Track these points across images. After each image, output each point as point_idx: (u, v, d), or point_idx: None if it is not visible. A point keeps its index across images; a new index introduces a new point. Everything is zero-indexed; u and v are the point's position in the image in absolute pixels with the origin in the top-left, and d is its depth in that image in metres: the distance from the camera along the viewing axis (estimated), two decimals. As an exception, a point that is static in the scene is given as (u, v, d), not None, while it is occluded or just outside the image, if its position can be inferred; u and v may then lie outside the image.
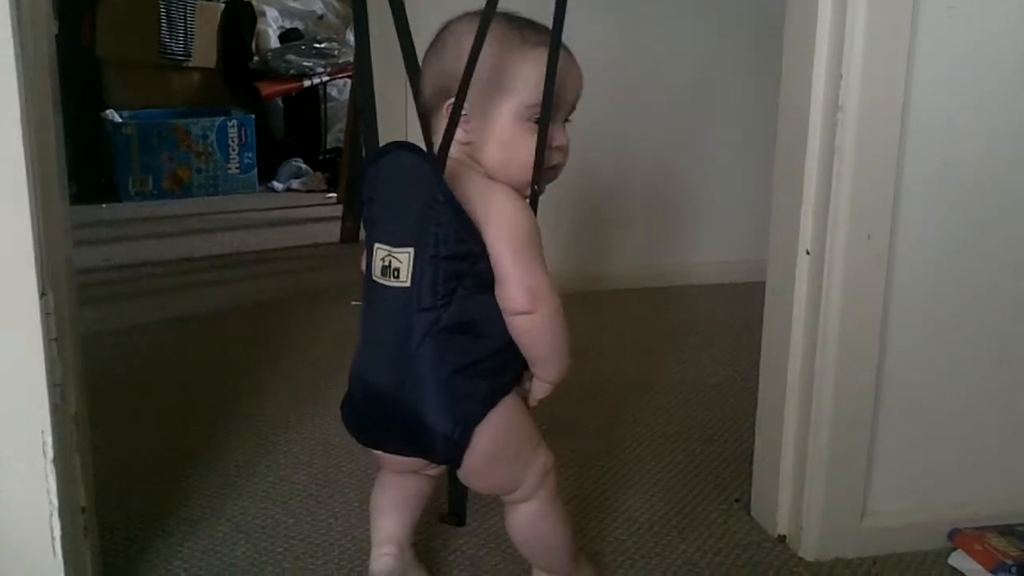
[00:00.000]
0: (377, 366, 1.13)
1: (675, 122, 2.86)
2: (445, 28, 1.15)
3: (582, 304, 2.62)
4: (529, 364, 1.15)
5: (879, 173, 1.32)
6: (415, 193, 1.08)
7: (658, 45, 2.79)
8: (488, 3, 1.04)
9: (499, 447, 1.13)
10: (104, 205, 3.90)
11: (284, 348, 2.31)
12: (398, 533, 1.27)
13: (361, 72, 1.19)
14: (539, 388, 1.16)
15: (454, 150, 1.09)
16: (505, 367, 1.14)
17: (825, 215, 1.33)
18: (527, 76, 1.10)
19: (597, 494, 1.61)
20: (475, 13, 1.08)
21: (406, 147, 1.11)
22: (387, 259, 1.10)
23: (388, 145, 1.14)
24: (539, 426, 1.18)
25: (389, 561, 1.26)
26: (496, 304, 1.09)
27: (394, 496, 1.27)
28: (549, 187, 1.17)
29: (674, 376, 2.16)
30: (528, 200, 1.13)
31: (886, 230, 1.33)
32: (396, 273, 1.09)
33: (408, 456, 1.18)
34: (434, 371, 1.08)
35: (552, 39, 1.08)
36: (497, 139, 1.11)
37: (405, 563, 1.27)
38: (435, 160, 1.07)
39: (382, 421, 1.14)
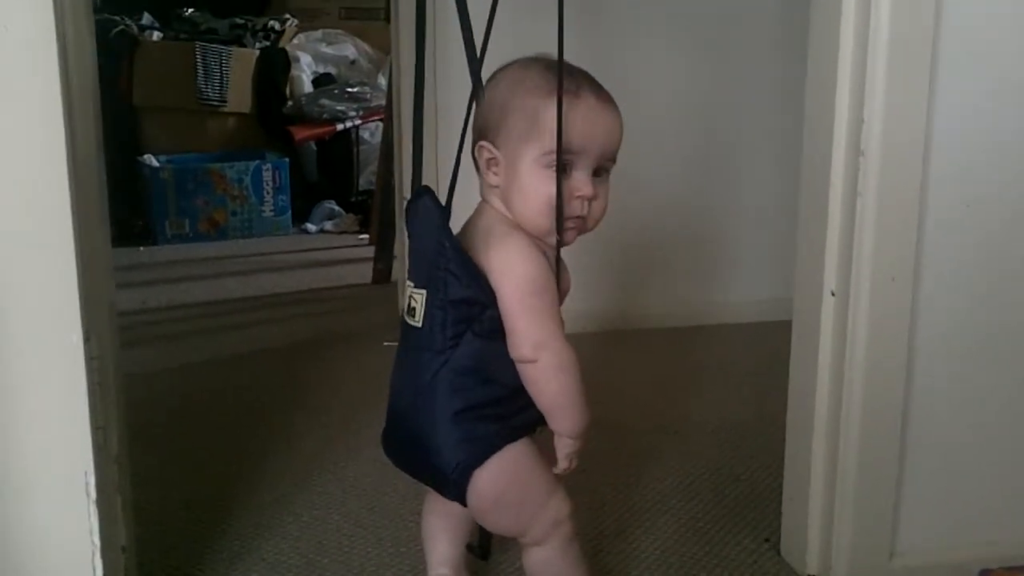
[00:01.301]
0: (401, 392, 1.18)
1: (707, 160, 2.89)
2: (491, 77, 1.19)
3: (609, 343, 2.65)
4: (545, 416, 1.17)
5: (902, 215, 1.34)
6: (430, 236, 1.13)
7: (689, 79, 2.83)
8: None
9: (500, 493, 1.15)
10: (141, 248, 3.97)
11: (317, 389, 2.34)
12: (452, 554, 1.32)
13: (415, 112, 1.26)
14: (561, 444, 1.16)
15: (494, 197, 1.16)
16: (514, 413, 1.15)
17: (849, 257, 1.35)
18: (550, 122, 1.10)
19: (620, 533, 1.62)
20: (523, 60, 1.15)
21: (425, 191, 1.16)
22: (410, 298, 1.16)
23: (420, 188, 1.18)
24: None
25: None
26: (499, 350, 1.12)
27: (442, 519, 1.31)
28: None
29: (701, 415, 2.17)
30: (555, 249, 1.15)
31: (910, 271, 1.35)
32: (413, 313, 1.14)
33: (428, 484, 1.22)
34: (442, 408, 1.12)
35: (558, 79, 1.09)
36: (518, 185, 1.13)
37: None
38: (442, 210, 1.13)
39: (406, 445, 1.19)
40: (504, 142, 1.13)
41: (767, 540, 1.59)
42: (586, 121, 1.12)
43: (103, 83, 1.26)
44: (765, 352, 2.43)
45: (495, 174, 1.15)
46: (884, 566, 1.43)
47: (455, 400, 1.12)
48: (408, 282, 1.17)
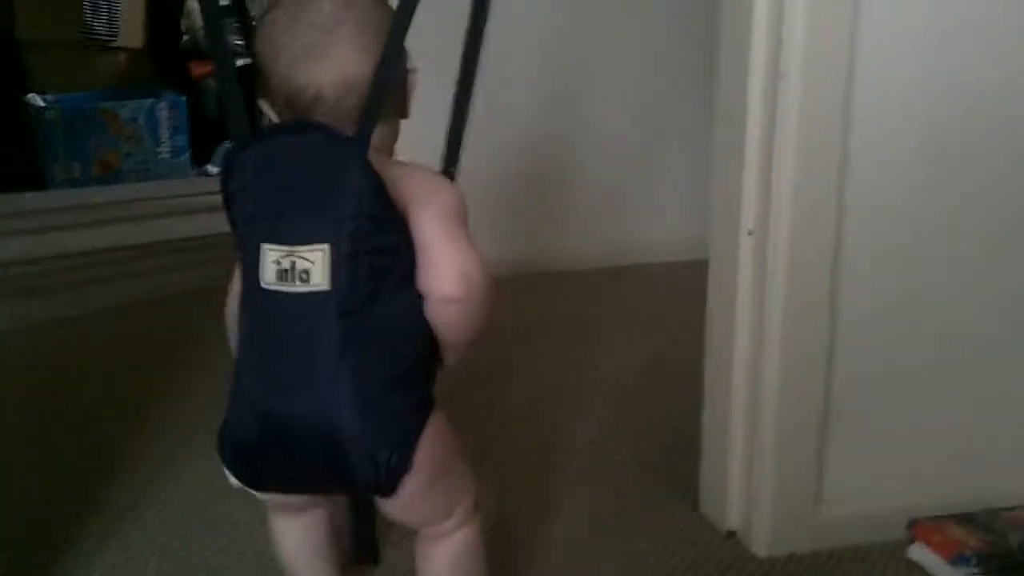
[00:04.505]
0: (283, 390, 0.96)
1: (625, 97, 2.74)
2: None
3: (522, 288, 2.51)
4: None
5: (824, 145, 1.23)
6: (326, 181, 0.95)
7: (608, 21, 2.67)
8: None
9: (435, 468, 0.99)
10: (28, 194, 3.72)
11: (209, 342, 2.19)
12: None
13: (218, 52, 1.06)
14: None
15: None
16: (433, 371, 1.02)
17: (767, 193, 1.25)
18: None
19: (535, 490, 1.53)
20: None
21: (311, 127, 0.98)
22: (286, 260, 0.95)
23: (272, 127, 1.01)
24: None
25: None
26: (418, 299, 0.98)
27: (306, 541, 1.13)
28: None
29: (619, 362, 2.06)
30: None
31: (832, 207, 1.25)
32: (304, 276, 0.94)
33: (323, 493, 1.07)
34: (361, 388, 0.94)
35: None
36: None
37: None
38: (358, 143, 0.95)
39: (291, 456, 0.98)
40: None
41: (685, 493, 1.50)
42: None
43: None
44: (684, 293, 2.32)
45: None
46: (809, 517, 1.36)
47: (378, 372, 0.95)
48: (271, 245, 0.95)
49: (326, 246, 0.93)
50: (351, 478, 0.96)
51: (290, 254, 0.94)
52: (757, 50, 1.23)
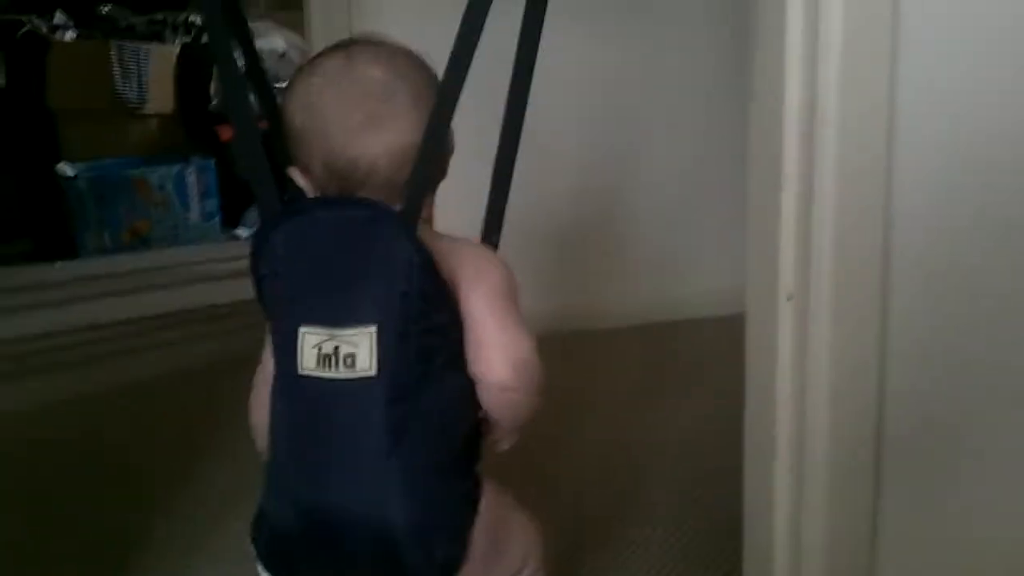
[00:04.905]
0: (327, 482, 0.91)
1: (674, 147, 2.67)
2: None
3: (559, 346, 2.43)
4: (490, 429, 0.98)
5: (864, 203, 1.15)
6: (372, 258, 0.90)
7: (656, 68, 2.62)
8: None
9: (494, 544, 0.95)
10: (57, 264, 3.71)
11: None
12: None
13: (242, 125, 1.00)
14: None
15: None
16: (479, 451, 0.97)
17: (807, 255, 1.16)
18: None
19: (567, 567, 1.43)
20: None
21: (350, 202, 0.93)
22: (328, 344, 0.89)
23: (308, 202, 0.96)
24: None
25: None
26: (467, 380, 0.92)
27: None
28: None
29: (658, 430, 1.96)
30: None
31: (876, 269, 1.16)
32: (349, 360, 0.89)
33: None
34: (412, 478, 0.89)
35: None
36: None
37: None
38: (407, 216, 0.90)
39: (336, 552, 0.92)
40: None
41: (727, 575, 1.40)
42: None
43: (13, 89, 1.05)
44: (730, 351, 2.23)
45: None
46: (862, 606, 1.25)
47: (431, 456, 0.90)
48: (310, 328, 0.90)
49: (373, 328, 0.89)
50: (402, 574, 0.91)
51: (332, 337, 0.89)
52: (791, 101, 1.15)
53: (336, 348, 0.89)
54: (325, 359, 0.89)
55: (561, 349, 2.37)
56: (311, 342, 0.90)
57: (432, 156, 0.92)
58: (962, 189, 1.18)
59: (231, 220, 4.19)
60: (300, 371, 0.91)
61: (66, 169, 3.91)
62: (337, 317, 0.90)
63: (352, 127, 0.94)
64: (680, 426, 1.97)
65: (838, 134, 1.12)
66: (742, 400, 1.35)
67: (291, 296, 0.93)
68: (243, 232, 4.17)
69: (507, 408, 0.95)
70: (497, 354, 0.92)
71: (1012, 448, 1.27)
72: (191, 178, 4.03)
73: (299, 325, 0.91)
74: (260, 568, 0.97)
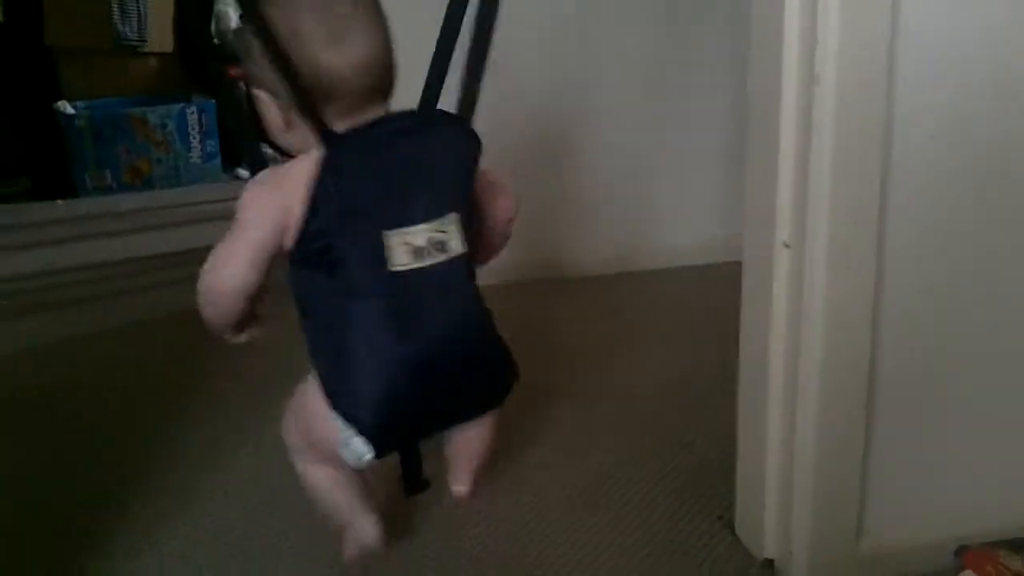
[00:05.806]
0: (438, 338, 1.06)
1: (638, 91, 2.63)
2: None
3: (546, 294, 2.44)
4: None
5: (863, 150, 1.15)
6: (446, 158, 1.07)
7: (622, 22, 2.56)
8: None
9: None
10: (59, 202, 3.71)
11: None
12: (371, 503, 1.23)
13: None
14: None
15: None
16: None
17: (804, 203, 1.17)
18: None
19: (562, 513, 1.46)
20: None
21: (400, 116, 1.07)
22: (420, 237, 1.03)
23: (378, 120, 1.06)
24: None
25: (381, 526, 1.22)
26: None
27: (352, 481, 1.21)
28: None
29: (647, 375, 1.97)
30: None
31: (873, 217, 1.17)
32: (440, 246, 1.04)
33: (467, 420, 1.18)
34: (492, 328, 1.14)
35: None
36: None
37: None
38: (463, 114, 1.09)
39: (454, 390, 1.11)
40: None
41: (720, 518, 1.43)
42: None
43: (11, 27, 1.07)
44: (715, 298, 2.25)
45: None
46: (851, 548, 1.28)
47: (489, 314, 1.13)
48: (405, 229, 1.03)
49: (455, 215, 1.06)
50: (501, 396, 1.17)
51: (424, 232, 1.03)
52: (790, 54, 1.15)
53: (428, 239, 1.04)
54: (417, 251, 1.03)
55: (547, 293, 2.40)
56: (399, 240, 1.02)
57: (488, 54, 1.08)
58: (960, 138, 1.18)
59: (232, 160, 4.18)
60: (393, 268, 1.02)
61: (65, 107, 3.89)
62: (424, 214, 1.03)
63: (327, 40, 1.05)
64: (667, 372, 1.97)
65: (836, 90, 1.12)
66: (728, 346, 1.37)
67: (363, 210, 1.02)
68: (244, 173, 4.15)
69: (508, 235, 1.21)
70: (511, 198, 1.19)
71: (998, 382, 1.29)
72: (192, 118, 4.01)
73: (384, 229, 1.02)
74: (351, 447, 1.08)
